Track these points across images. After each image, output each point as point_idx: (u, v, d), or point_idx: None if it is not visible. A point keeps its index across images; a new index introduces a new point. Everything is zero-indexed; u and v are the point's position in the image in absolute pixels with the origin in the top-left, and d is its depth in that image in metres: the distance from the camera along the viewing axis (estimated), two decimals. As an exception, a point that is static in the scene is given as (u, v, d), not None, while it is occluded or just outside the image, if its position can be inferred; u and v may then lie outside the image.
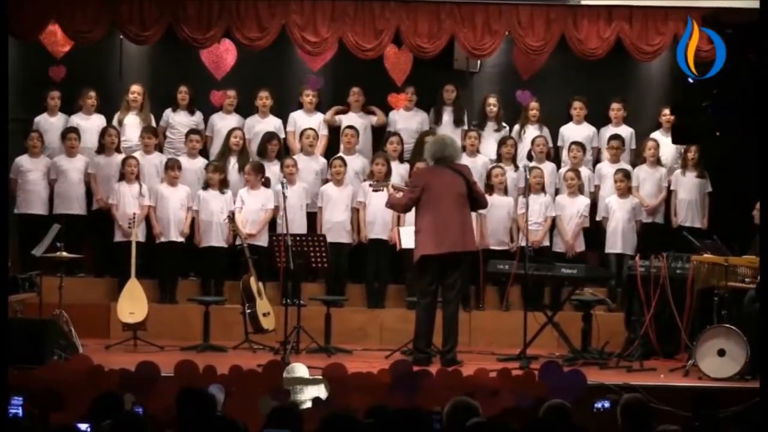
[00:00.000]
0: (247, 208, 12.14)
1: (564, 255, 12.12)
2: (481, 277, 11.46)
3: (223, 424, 6.04)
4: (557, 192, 12.52)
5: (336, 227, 12.16)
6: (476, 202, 10.50)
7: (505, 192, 12.22)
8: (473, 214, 10.69)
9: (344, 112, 12.82)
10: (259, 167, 12.21)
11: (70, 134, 12.36)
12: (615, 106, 12.76)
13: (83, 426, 6.23)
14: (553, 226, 12.35)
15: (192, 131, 12.56)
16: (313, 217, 12.33)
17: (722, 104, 8.61)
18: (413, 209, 10.49)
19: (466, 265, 10.61)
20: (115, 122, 12.65)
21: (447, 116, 12.90)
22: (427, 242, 10.23)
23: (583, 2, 12.24)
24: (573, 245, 12.23)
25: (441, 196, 10.23)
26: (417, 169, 11.70)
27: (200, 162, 12.50)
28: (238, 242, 11.72)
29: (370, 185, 11.73)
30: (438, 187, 10.27)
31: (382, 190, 11.06)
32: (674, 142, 11.65)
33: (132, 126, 12.69)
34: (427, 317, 10.34)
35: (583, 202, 12.30)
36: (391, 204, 10.82)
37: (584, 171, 12.56)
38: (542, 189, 12.25)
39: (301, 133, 12.62)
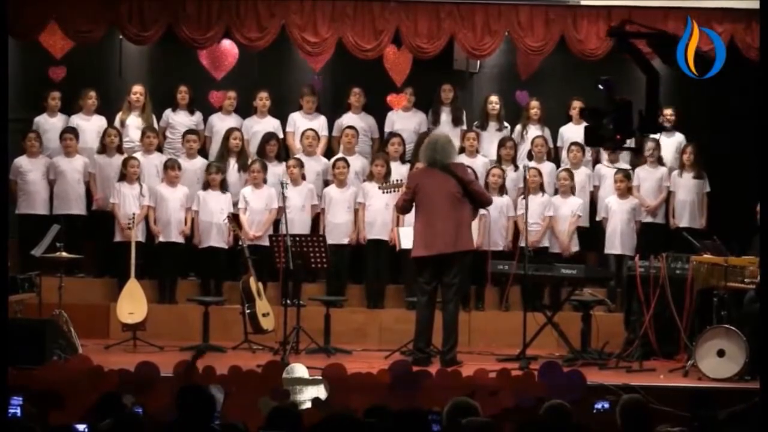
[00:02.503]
0: (251, 209, 12.14)
1: (561, 255, 12.12)
2: (487, 278, 11.43)
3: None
4: (556, 192, 12.52)
5: (337, 228, 12.15)
6: (477, 200, 10.49)
7: (501, 192, 12.19)
8: (479, 215, 10.67)
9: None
10: (265, 165, 12.22)
11: (66, 134, 12.35)
12: (618, 105, 12.73)
13: (81, 427, 6.24)
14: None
15: (189, 131, 12.54)
16: (314, 218, 12.32)
17: (619, 119, 8.95)
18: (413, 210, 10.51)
19: (464, 264, 10.61)
20: (117, 123, 12.65)
21: (445, 116, 12.89)
22: (419, 244, 10.29)
23: (582, 2, 12.24)
24: (569, 246, 12.23)
25: (432, 198, 10.25)
26: (411, 171, 11.69)
27: (199, 162, 12.49)
28: (238, 242, 11.71)
29: (380, 187, 11.72)
30: (429, 188, 10.28)
31: (396, 191, 11.07)
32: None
33: (134, 126, 12.68)
34: (426, 315, 10.35)
35: (575, 202, 12.30)
36: (395, 204, 10.88)
37: (584, 171, 12.56)
38: (540, 189, 12.25)
39: (302, 134, 12.61)
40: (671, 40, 9.37)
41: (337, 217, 12.21)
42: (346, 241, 12.19)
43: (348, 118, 12.82)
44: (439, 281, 10.33)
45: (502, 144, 12.55)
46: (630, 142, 10.30)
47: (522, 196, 11.82)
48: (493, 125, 12.86)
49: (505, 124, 12.90)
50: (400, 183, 11.18)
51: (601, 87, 9.22)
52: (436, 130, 12.57)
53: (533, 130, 12.77)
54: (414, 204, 10.40)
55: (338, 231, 12.13)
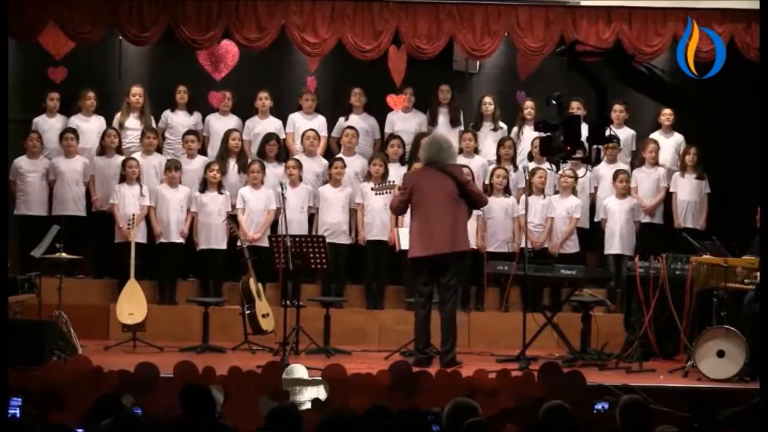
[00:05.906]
0: (250, 209, 12.14)
1: (564, 256, 12.10)
2: (485, 279, 11.43)
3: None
4: (556, 192, 12.51)
5: (333, 228, 12.14)
6: (472, 201, 10.47)
7: (505, 193, 12.19)
8: (476, 216, 10.65)
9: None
10: (263, 165, 12.22)
11: (67, 134, 12.34)
12: (617, 107, 12.64)
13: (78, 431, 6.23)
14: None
15: (189, 132, 12.53)
16: (311, 219, 12.32)
17: (568, 132, 9.38)
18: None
19: (462, 265, 10.58)
20: (115, 124, 12.63)
21: (443, 117, 12.89)
22: (416, 244, 10.26)
23: (582, 3, 12.24)
24: (559, 245, 12.18)
25: (429, 198, 10.22)
26: (407, 172, 11.66)
27: (199, 163, 12.47)
28: (237, 243, 11.71)
29: (373, 188, 11.70)
30: (426, 188, 10.25)
31: (389, 193, 11.05)
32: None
33: (133, 128, 12.67)
34: (423, 317, 10.34)
35: (573, 201, 12.28)
36: (390, 205, 10.85)
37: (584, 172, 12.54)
38: (543, 190, 12.24)
39: (303, 135, 12.61)
40: (626, 57, 9.59)
41: (331, 217, 12.20)
42: (341, 241, 12.17)
43: (350, 119, 12.80)
44: (436, 282, 10.31)
45: (500, 144, 12.54)
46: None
47: (523, 197, 11.82)
48: (487, 125, 12.86)
49: (501, 124, 12.88)
50: (393, 184, 11.15)
51: (553, 102, 9.54)
52: (435, 130, 12.58)
53: (528, 131, 12.74)
54: (410, 205, 10.38)
55: (333, 231, 12.11)
